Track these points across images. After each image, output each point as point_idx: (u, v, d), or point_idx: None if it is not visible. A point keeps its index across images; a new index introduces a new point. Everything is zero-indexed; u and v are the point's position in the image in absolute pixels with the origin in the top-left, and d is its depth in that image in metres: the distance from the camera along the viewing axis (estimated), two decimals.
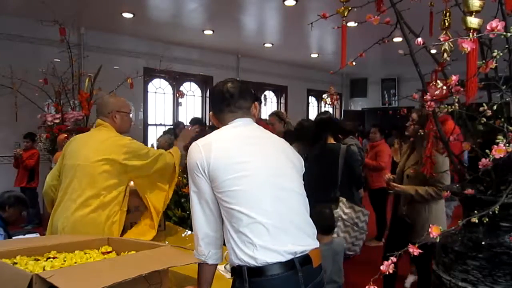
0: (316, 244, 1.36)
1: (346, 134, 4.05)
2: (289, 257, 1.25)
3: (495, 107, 1.50)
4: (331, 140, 3.01)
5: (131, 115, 2.20)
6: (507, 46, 1.47)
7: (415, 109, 2.79)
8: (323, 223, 2.17)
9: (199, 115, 7.84)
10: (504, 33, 1.26)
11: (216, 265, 1.38)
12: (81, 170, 1.94)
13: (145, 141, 6.92)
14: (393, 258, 1.37)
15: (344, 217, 2.68)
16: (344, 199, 2.72)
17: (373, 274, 1.39)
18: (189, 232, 2.60)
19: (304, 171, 1.48)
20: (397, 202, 2.89)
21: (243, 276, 1.25)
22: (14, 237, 2.41)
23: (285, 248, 1.24)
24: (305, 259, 1.28)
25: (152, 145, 6.37)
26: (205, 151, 1.30)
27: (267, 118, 4.80)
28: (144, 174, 2.09)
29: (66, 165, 2.02)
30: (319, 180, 2.81)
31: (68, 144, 2.12)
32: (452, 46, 1.39)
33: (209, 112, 1.57)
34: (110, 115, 2.07)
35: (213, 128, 5.77)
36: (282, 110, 8.76)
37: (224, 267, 1.81)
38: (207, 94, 7.88)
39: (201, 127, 5.61)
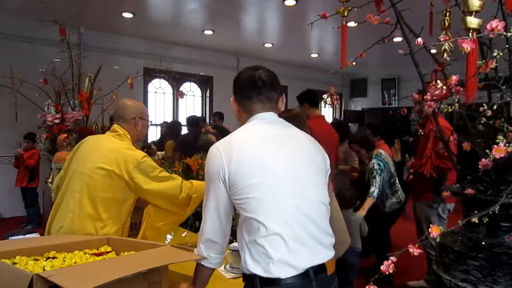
0: (332, 254, 1.30)
1: None
2: (304, 270, 1.20)
3: (495, 107, 1.50)
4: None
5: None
6: (507, 46, 1.47)
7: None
8: (345, 200, 2.83)
9: (199, 115, 7.83)
10: (504, 33, 1.26)
11: (214, 268, 1.35)
12: (81, 178, 1.77)
13: (145, 141, 6.91)
14: (393, 258, 1.37)
15: None
16: None
17: None
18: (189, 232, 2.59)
19: (329, 169, 1.39)
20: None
21: (254, 285, 1.20)
22: (13, 237, 2.41)
23: (301, 264, 1.20)
24: (319, 268, 1.24)
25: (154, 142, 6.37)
26: (226, 155, 1.22)
27: None
28: (149, 195, 1.81)
29: (70, 168, 1.86)
30: None
31: (78, 146, 1.92)
32: (452, 46, 1.39)
33: (231, 99, 1.40)
34: (132, 122, 1.90)
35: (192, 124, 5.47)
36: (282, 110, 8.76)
37: (224, 267, 1.81)
38: (207, 94, 7.89)
39: (195, 128, 5.55)
